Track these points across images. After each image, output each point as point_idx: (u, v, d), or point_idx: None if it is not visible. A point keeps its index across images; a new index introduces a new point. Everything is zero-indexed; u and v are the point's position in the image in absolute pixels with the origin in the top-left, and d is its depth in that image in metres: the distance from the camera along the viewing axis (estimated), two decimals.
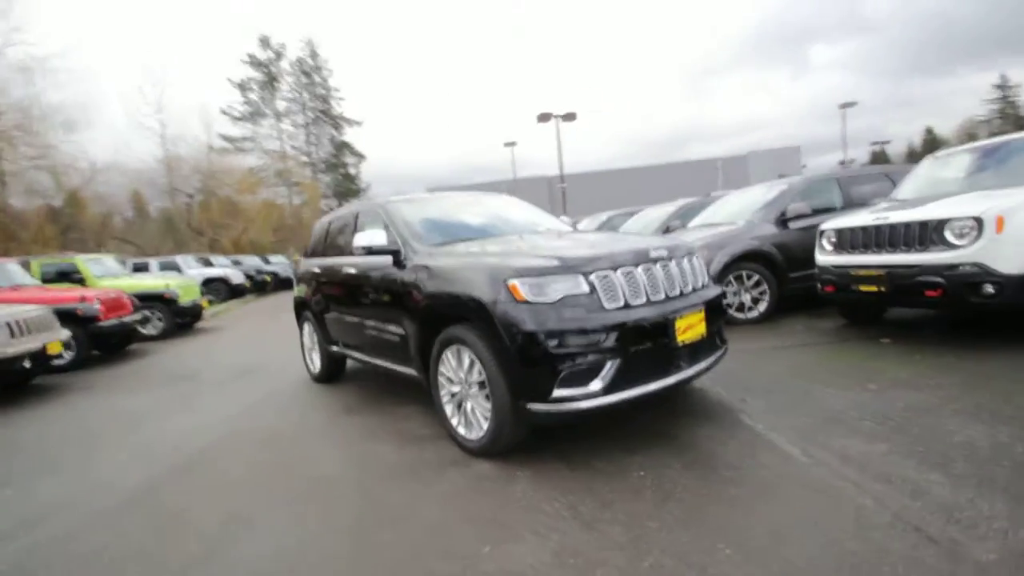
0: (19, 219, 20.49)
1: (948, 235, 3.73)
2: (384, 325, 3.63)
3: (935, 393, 3.02)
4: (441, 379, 3.08)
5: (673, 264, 2.90)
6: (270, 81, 37.91)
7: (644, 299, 2.67)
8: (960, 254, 3.64)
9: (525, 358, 2.49)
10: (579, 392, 2.49)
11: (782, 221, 5.90)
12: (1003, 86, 76.45)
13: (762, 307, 5.73)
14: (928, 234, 3.83)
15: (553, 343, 2.45)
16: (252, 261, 20.96)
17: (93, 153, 25.56)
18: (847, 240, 4.45)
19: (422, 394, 4.18)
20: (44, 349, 5.60)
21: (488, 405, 2.72)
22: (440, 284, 2.99)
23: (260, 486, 2.82)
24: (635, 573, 1.76)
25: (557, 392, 2.48)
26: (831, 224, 4.70)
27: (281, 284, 21.11)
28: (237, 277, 17.06)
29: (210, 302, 10.81)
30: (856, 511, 1.98)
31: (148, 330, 9.20)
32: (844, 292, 4.46)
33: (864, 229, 4.29)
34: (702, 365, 2.88)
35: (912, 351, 3.90)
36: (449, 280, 2.93)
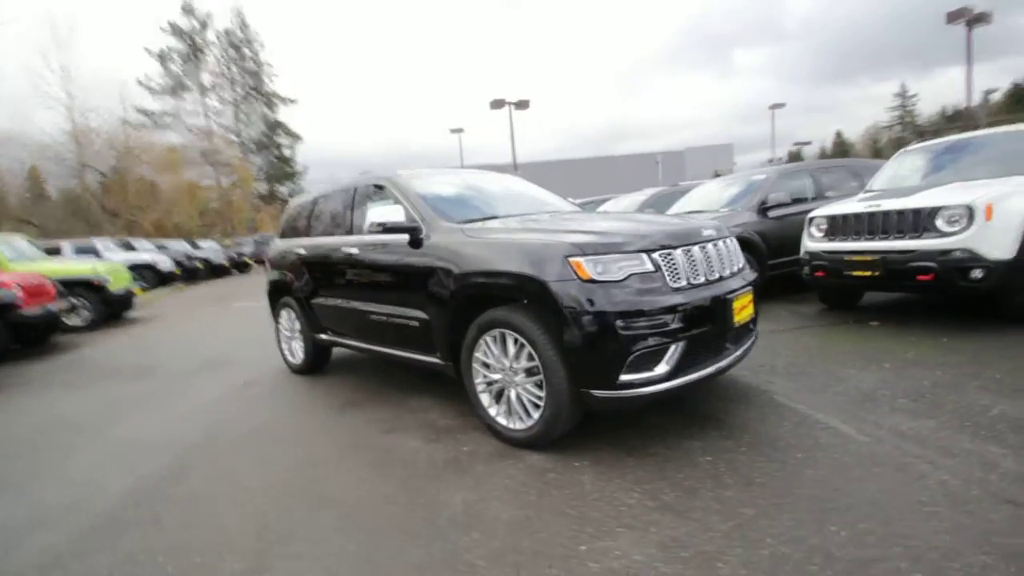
0: None
1: (940, 223, 3.95)
2: (398, 310, 3.33)
3: (950, 371, 3.17)
4: (476, 366, 2.86)
5: (721, 244, 2.84)
6: (194, 53, 34.75)
7: (703, 279, 2.59)
8: (952, 240, 3.87)
9: (591, 341, 2.33)
10: (645, 376, 2.37)
11: (763, 209, 6.07)
12: (903, 95, 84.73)
13: None
14: (921, 221, 4.04)
15: (621, 324, 2.31)
16: (180, 246, 19.24)
17: None
18: (839, 227, 4.63)
19: (433, 382, 3.97)
20: None
21: (539, 392, 2.55)
22: (478, 263, 2.76)
23: (284, 509, 2.49)
24: (759, 563, 1.67)
25: (624, 377, 2.35)
26: (821, 211, 4.87)
27: (214, 271, 19.57)
28: (165, 263, 15.61)
29: (143, 289, 9.75)
30: (941, 486, 2.00)
31: (73, 320, 8.16)
32: (836, 277, 4.64)
33: (857, 216, 4.47)
34: (745, 347, 2.86)
35: (903, 333, 4.12)
36: (492, 259, 2.71)
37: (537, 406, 2.58)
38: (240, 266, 22.62)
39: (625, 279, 2.38)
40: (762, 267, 5.97)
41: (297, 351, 4.72)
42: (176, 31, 34.43)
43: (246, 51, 37.60)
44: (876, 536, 1.75)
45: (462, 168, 3.91)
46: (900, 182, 5.19)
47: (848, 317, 4.87)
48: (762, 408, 2.92)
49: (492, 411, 2.82)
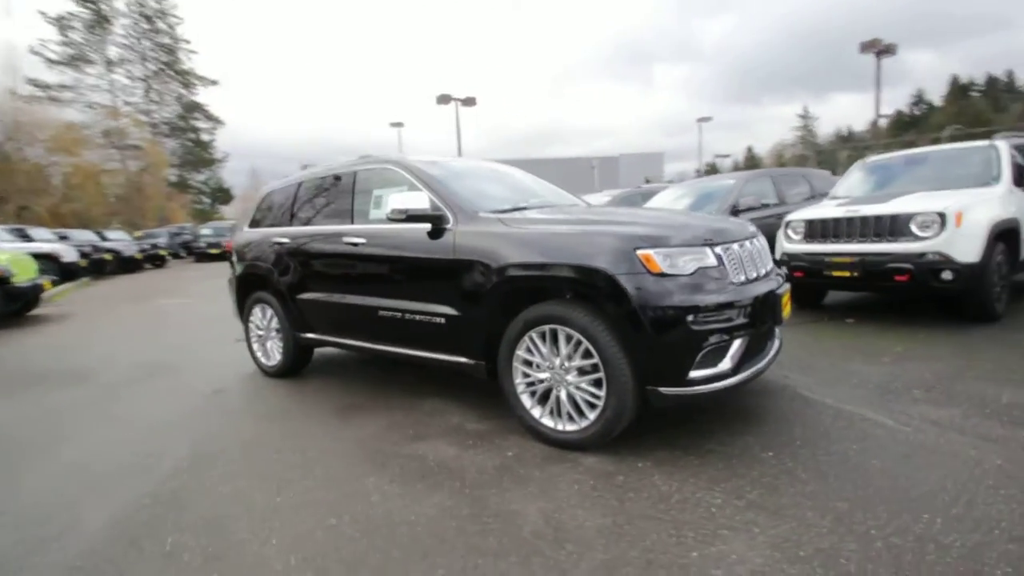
0: None
1: (914, 227, 4.27)
2: (418, 306, 3.07)
3: (943, 363, 3.42)
4: (517, 365, 2.69)
5: (758, 242, 2.86)
6: (99, 21, 31.09)
7: (755, 275, 2.59)
8: (926, 244, 4.19)
9: (662, 337, 2.25)
10: (711, 373, 2.32)
11: (735, 212, 6.33)
12: (805, 116, 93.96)
13: None
14: (898, 226, 4.35)
15: (692, 319, 2.25)
16: (85, 236, 17.11)
17: None
18: (818, 230, 4.89)
19: (438, 383, 3.73)
20: None
21: (597, 391, 2.43)
22: (530, 255, 2.58)
23: (336, 538, 2.18)
24: (879, 556, 1.65)
25: (693, 374, 2.28)
26: (798, 215, 5.14)
27: (124, 265, 17.62)
28: (70, 254, 13.78)
29: (52, 283, 8.52)
30: (999, 470, 2.10)
31: None
32: (815, 277, 4.90)
33: (836, 220, 4.74)
34: (777, 346, 2.91)
35: (881, 329, 4.42)
36: (547, 251, 2.54)
37: (593, 406, 2.46)
38: (154, 259, 20.55)
39: (693, 272, 2.32)
40: None
41: (273, 352, 4.27)
42: None
43: (160, 24, 34.27)
44: (970, 521, 1.80)
45: (455, 159, 3.68)
46: (860, 190, 5.60)
47: (822, 315, 5.17)
48: (792, 401, 2.98)
49: (535, 412, 2.66)
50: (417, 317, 3.09)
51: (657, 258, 2.29)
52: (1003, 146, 4.84)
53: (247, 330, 4.49)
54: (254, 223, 4.53)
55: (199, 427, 3.28)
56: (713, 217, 2.94)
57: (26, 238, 13.68)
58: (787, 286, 2.81)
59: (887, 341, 4.04)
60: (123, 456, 2.91)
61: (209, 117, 36.44)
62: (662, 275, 2.28)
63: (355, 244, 3.43)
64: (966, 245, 4.10)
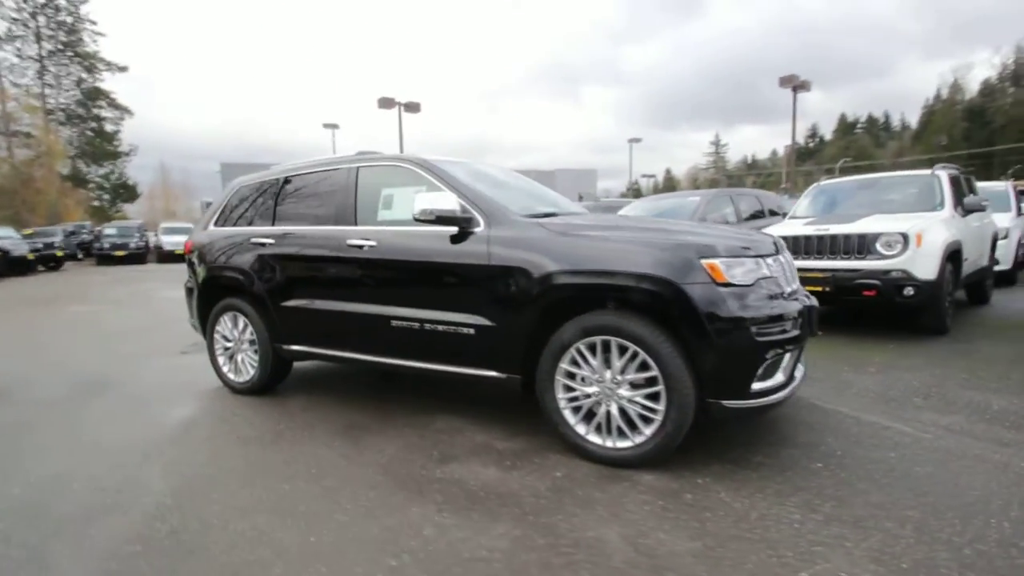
0: None
1: (879, 246, 4.63)
2: (443, 315, 2.83)
3: (926, 373, 3.69)
4: (560, 378, 2.55)
5: (789, 256, 2.93)
6: None
7: (792, 288, 2.64)
8: (891, 262, 4.55)
9: (729, 348, 2.21)
10: (769, 385, 2.32)
11: None
12: (716, 143, 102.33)
13: None
14: (865, 245, 4.70)
15: (756, 331, 2.24)
16: None
17: None
18: (791, 247, 5.16)
19: (443, 396, 3.51)
20: None
21: (653, 405, 2.34)
22: (583, 263, 2.45)
23: None
24: (975, 563, 1.68)
25: (755, 386, 2.27)
26: (772, 232, 5.41)
27: (14, 265, 15.41)
28: None
29: None
30: None
31: None
32: None
33: (808, 238, 5.05)
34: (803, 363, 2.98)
35: (852, 341, 4.73)
36: (603, 259, 2.43)
37: (648, 420, 2.37)
38: (47, 261, 18.14)
39: (754, 283, 2.32)
40: None
41: (245, 366, 3.81)
42: None
43: (61, 0, 30.65)
44: None
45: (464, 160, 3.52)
46: (818, 211, 6.03)
47: None
48: (810, 412, 3.06)
49: (580, 429, 2.53)
50: (440, 328, 2.86)
51: (722, 268, 2.26)
52: (943, 175, 5.40)
53: (211, 342, 3.98)
54: (221, 221, 4.06)
55: (172, 454, 2.82)
56: (749, 230, 2.98)
57: None
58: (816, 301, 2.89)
59: (864, 352, 4.31)
60: (83, 493, 2.42)
61: (115, 106, 32.96)
62: (727, 285, 2.25)
63: (360, 247, 3.14)
64: (925, 264, 4.49)
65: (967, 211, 5.29)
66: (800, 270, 4.92)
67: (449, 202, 2.73)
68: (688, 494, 2.20)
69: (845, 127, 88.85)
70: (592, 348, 2.46)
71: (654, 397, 2.34)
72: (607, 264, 2.41)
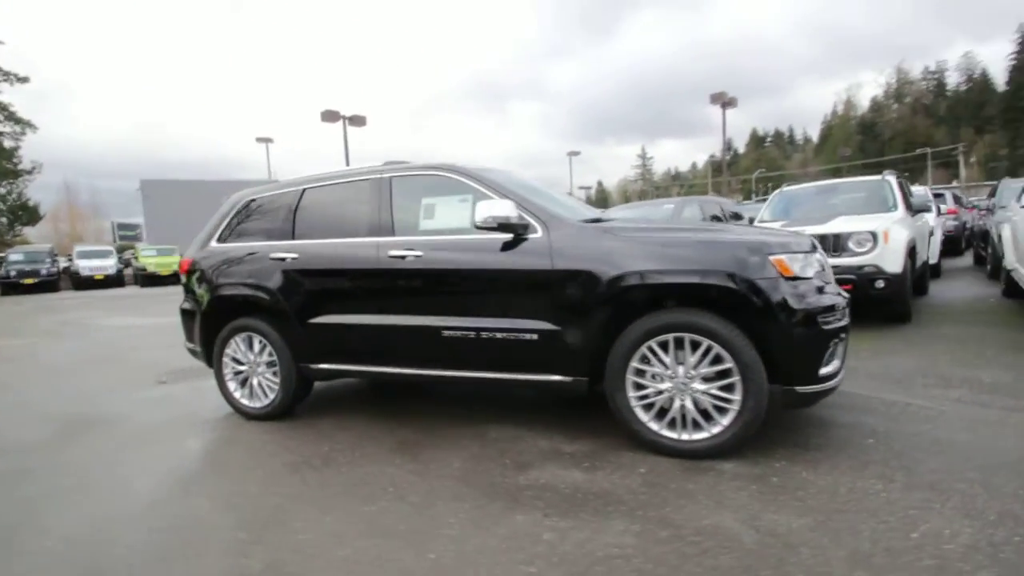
0: None
1: (852, 244, 5.11)
2: (502, 322, 2.82)
3: (911, 356, 4.09)
4: (630, 377, 2.62)
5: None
6: None
7: (832, 281, 2.87)
8: (864, 258, 5.03)
9: (801, 337, 2.39)
10: (830, 371, 2.51)
11: None
12: (643, 156, 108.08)
13: None
14: (840, 243, 5.16)
15: (822, 320, 2.43)
16: None
17: None
18: None
19: (477, 406, 3.49)
20: None
21: (728, 396, 2.46)
22: (654, 264, 2.55)
23: None
24: None
25: (822, 371, 2.45)
26: None
27: None
28: None
29: None
30: None
31: None
32: None
33: None
34: None
35: None
36: (676, 259, 2.54)
37: (723, 411, 2.49)
38: None
39: (813, 276, 2.51)
40: None
41: (262, 390, 3.58)
42: None
43: None
44: None
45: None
46: (784, 214, 6.53)
47: None
48: (836, 396, 3.21)
49: (654, 425, 2.61)
50: (499, 335, 2.84)
51: (789, 263, 2.43)
52: (893, 180, 6.05)
53: (219, 367, 3.71)
54: (225, 237, 3.82)
55: (215, 486, 2.62)
56: (787, 231, 3.21)
57: None
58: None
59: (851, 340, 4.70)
60: (134, 536, 2.18)
61: (14, 119, 29.69)
62: (794, 279, 2.43)
63: (402, 257, 3.07)
64: (892, 258, 5.00)
65: (915, 211, 5.94)
66: None
67: (508, 209, 2.75)
68: (773, 477, 2.32)
69: (756, 141, 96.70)
70: (663, 345, 2.55)
71: (727, 389, 2.47)
72: (682, 264, 2.52)
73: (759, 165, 70.62)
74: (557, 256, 2.72)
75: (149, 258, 22.11)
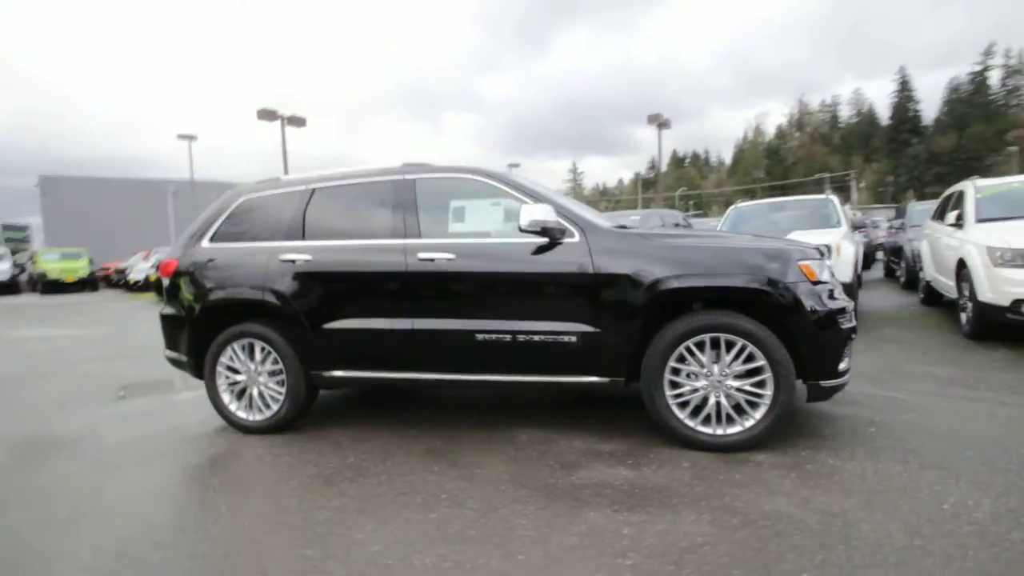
0: None
1: None
2: (540, 325, 2.86)
3: (888, 356, 4.55)
4: (667, 376, 2.75)
5: None
6: None
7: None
8: None
9: (826, 336, 2.63)
10: (846, 366, 2.78)
11: None
12: (574, 171, 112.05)
13: None
14: None
15: (841, 319, 2.69)
16: None
17: None
18: None
19: (498, 411, 3.47)
20: None
21: (760, 391, 2.65)
22: (689, 269, 2.70)
23: None
24: None
25: (840, 366, 2.70)
26: None
27: None
28: None
29: None
30: None
31: None
32: None
33: None
34: None
35: None
36: (710, 264, 2.70)
37: (755, 406, 2.67)
38: None
39: (827, 281, 2.77)
40: None
41: (264, 400, 3.36)
42: None
43: None
44: None
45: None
46: (740, 229, 7.06)
47: None
48: None
49: (690, 422, 2.74)
50: (536, 338, 2.88)
51: (814, 268, 2.68)
52: (835, 199, 6.74)
53: (212, 377, 3.43)
54: (220, 236, 3.56)
55: (240, 504, 2.43)
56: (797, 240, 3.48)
57: None
58: None
59: None
60: (173, 564, 1.99)
61: None
62: (818, 283, 2.67)
63: (431, 260, 3.03)
64: (845, 270, 5.56)
65: (854, 228, 6.64)
66: None
67: (550, 214, 2.80)
68: (807, 465, 2.52)
69: (676, 161, 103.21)
70: (700, 345, 2.71)
71: (759, 385, 2.66)
72: (718, 268, 2.70)
73: (680, 184, 75.34)
74: (598, 260, 2.80)
75: (51, 263, 19.75)
